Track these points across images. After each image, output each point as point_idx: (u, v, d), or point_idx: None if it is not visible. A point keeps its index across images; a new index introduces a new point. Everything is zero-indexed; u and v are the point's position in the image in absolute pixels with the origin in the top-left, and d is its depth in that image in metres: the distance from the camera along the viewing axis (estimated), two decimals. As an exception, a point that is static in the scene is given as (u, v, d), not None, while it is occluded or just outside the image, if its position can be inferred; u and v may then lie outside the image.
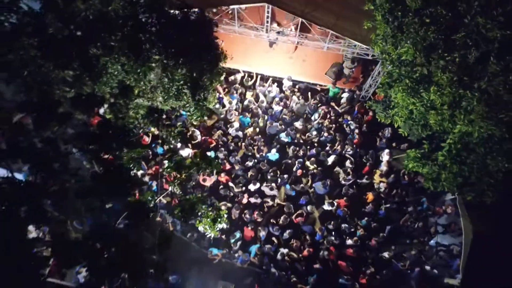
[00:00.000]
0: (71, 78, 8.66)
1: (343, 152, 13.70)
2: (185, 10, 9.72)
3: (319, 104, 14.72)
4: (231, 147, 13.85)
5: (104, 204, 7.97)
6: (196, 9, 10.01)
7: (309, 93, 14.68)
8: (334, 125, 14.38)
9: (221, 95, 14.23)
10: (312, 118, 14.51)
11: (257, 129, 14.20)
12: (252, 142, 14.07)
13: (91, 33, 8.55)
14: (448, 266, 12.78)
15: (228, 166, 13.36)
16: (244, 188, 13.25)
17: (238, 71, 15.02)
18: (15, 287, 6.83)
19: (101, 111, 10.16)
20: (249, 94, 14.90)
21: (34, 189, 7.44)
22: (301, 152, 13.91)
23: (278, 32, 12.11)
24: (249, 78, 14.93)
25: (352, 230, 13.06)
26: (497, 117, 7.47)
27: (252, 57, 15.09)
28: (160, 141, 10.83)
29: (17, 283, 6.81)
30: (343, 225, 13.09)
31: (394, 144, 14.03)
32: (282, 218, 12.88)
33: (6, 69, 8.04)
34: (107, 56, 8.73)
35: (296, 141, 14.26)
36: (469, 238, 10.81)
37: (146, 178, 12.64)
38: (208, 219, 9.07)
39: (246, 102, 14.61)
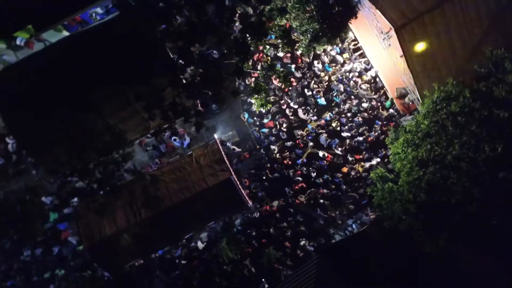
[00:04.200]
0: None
1: (355, 137, 19.23)
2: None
3: (374, 100, 19.71)
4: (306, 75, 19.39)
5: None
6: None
7: (375, 89, 19.59)
8: (368, 118, 19.61)
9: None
10: (363, 105, 19.61)
11: (327, 78, 19.47)
12: (319, 82, 19.48)
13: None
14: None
15: (294, 83, 19.05)
16: (289, 100, 19.19)
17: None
18: None
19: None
20: (344, 55, 19.70)
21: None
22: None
23: (389, 44, 16.51)
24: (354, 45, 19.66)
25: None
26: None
27: (368, 35, 19.20)
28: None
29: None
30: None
31: (386, 160, 19.41)
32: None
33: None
34: None
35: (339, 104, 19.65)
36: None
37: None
38: (260, 102, 15.04)
39: (338, 57, 19.57)
